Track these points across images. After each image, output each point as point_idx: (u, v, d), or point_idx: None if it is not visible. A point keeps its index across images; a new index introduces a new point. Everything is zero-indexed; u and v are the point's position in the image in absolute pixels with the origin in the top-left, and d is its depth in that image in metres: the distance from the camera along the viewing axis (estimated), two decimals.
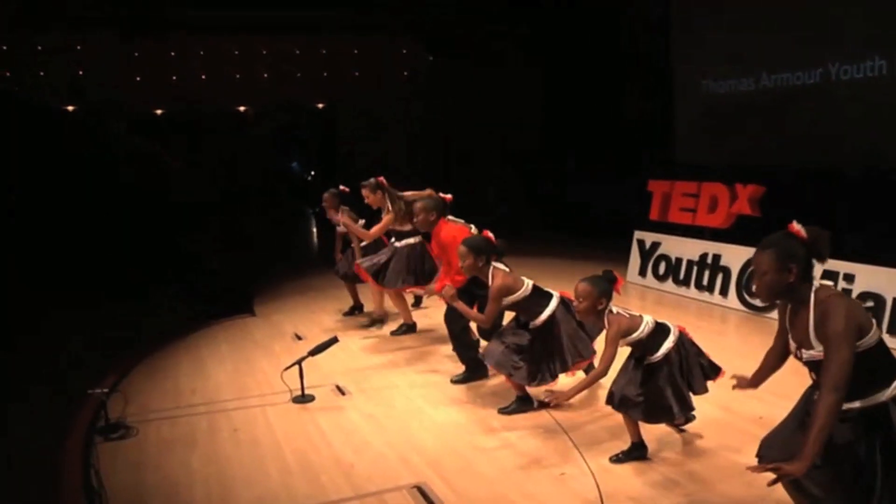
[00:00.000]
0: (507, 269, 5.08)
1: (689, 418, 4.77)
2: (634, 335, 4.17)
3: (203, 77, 14.84)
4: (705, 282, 8.57)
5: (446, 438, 4.92)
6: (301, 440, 4.96)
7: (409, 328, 7.49)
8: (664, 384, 4.20)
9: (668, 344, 4.22)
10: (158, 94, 14.61)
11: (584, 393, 5.58)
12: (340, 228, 8.04)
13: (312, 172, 22.79)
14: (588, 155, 13.75)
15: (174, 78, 14.60)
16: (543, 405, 5.37)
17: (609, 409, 5.18)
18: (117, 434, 5.10)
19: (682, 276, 8.94)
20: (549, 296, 5.05)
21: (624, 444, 4.50)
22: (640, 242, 9.71)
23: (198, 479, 4.45)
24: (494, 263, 5.04)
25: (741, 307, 8.04)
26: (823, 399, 2.73)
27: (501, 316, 5.46)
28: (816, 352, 2.86)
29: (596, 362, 5.72)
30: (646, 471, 4.29)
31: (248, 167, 17.70)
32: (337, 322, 8.04)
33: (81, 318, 7.51)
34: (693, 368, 4.31)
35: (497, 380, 5.94)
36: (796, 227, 2.95)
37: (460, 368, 6.11)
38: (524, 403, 5.32)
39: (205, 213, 14.23)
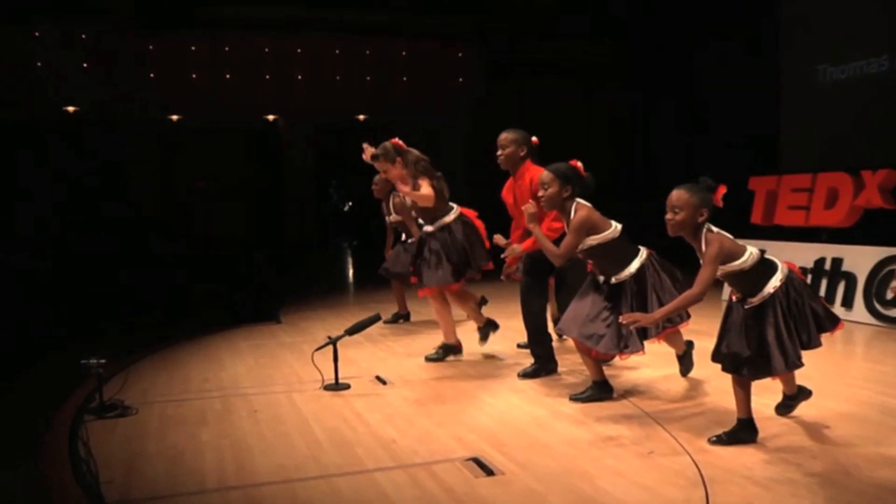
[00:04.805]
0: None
1: (804, 392, 4.57)
2: (736, 263, 4.02)
3: (228, 77, 15.12)
4: (823, 292, 8.29)
5: (507, 420, 4.81)
6: (333, 419, 4.91)
7: (489, 326, 6.81)
8: (766, 330, 4.03)
9: (775, 282, 4.07)
10: (176, 97, 14.86)
11: (676, 386, 5.47)
12: (392, 217, 8.05)
13: (350, 203, 23.07)
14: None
15: (194, 76, 14.87)
16: (625, 394, 5.24)
17: (705, 399, 5.15)
18: (113, 413, 5.09)
19: None
20: (638, 248, 4.96)
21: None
22: None
23: (208, 449, 4.41)
24: (578, 199, 4.95)
25: (872, 320, 7.74)
26: None
27: (581, 274, 5.31)
28: None
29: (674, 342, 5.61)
30: (755, 452, 4.09)
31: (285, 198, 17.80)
32: (377, 329, 7.88)
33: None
34: (804, 316, 4.12)
35: (572, 377, 5.81)
36: None
37: (524, 366, 6.00)
38: (602, 390, 5.16)
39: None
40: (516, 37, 15.98)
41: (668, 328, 4.95)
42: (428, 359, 6.58)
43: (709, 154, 12.58)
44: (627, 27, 14.75)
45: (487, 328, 6.73)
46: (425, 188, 6.15)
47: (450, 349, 6.61)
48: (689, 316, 4.98)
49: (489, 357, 6.64)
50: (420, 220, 6.58)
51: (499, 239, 5.42)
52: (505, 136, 5.85)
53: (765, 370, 4.11)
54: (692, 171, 12.47)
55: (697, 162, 12.98)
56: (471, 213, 6.48)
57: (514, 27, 15.83)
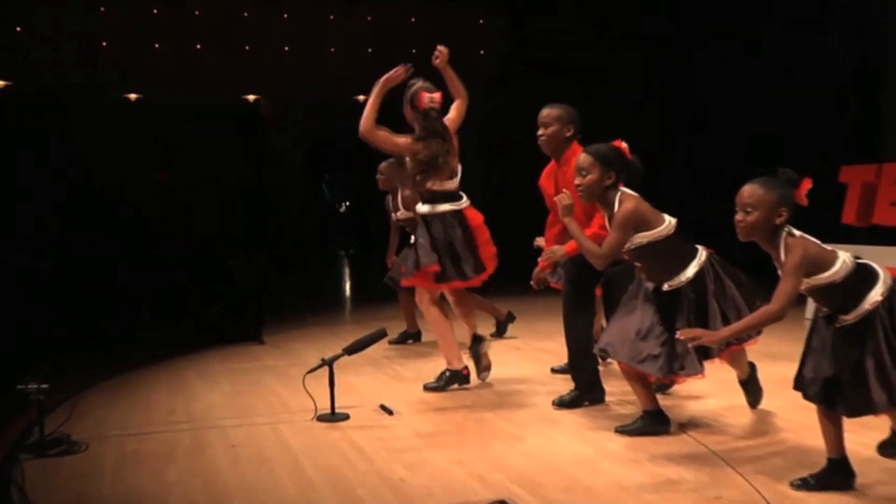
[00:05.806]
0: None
1: None
2: (825, 275, 3.92)
3: (199, 49, 15.12)
4: None
5: (540, 456, 4.82)
6: (329, 456, 4.93)
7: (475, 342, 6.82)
8: (864, 356, 3.92)
9: (875, 296, 3.94)
10: (134, 72, 14.81)
11: (744, 418, 5.43)
12: (400, 214, 8.07)
13: (347, 202, 23.13)
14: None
15: (157, 46, 14.84)
16: (683, 428, 5.21)
17: (783, 435, 5.12)
18: (56, 450, 5.10)
19: None
20: (695, 248, 4.95)
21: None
22: None
23: (175, 490, 4.43)
24: (623, 188, 4.94)
25: None
26: None
27: (625, 278, 5.30)
28: None
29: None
30: (853, 501, 3.99)
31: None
32: (381, 350, 7.91)
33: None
34: None
35: (621, 408, 5.80)
36: None
37: (559, 393, 6.00)
38: (654, 422, 5.13)
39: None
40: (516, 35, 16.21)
41: (734, 345, 4.92)
42: (427, 388, 6.51)
43: (709, 154, 13.54)
44: (627, 27, 15.69)
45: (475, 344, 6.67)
46: (403, 137, 6.24)
47: (455, 376, 6.50)
48: (758, 332, 4.93)
49: (516, 384, 6.64)
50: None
51: (540, 242, 5.39)
52: (547, 113, 5.86)
53: (862, 406, 3.97)
54: (692, 171, 13.29)
55: (697, 162, 14.07)
56: (477, 217, 6.40)
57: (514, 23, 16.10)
